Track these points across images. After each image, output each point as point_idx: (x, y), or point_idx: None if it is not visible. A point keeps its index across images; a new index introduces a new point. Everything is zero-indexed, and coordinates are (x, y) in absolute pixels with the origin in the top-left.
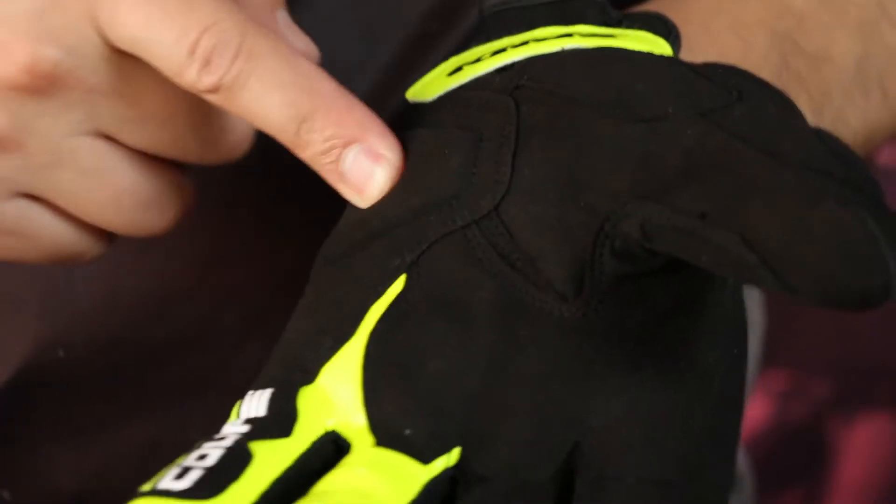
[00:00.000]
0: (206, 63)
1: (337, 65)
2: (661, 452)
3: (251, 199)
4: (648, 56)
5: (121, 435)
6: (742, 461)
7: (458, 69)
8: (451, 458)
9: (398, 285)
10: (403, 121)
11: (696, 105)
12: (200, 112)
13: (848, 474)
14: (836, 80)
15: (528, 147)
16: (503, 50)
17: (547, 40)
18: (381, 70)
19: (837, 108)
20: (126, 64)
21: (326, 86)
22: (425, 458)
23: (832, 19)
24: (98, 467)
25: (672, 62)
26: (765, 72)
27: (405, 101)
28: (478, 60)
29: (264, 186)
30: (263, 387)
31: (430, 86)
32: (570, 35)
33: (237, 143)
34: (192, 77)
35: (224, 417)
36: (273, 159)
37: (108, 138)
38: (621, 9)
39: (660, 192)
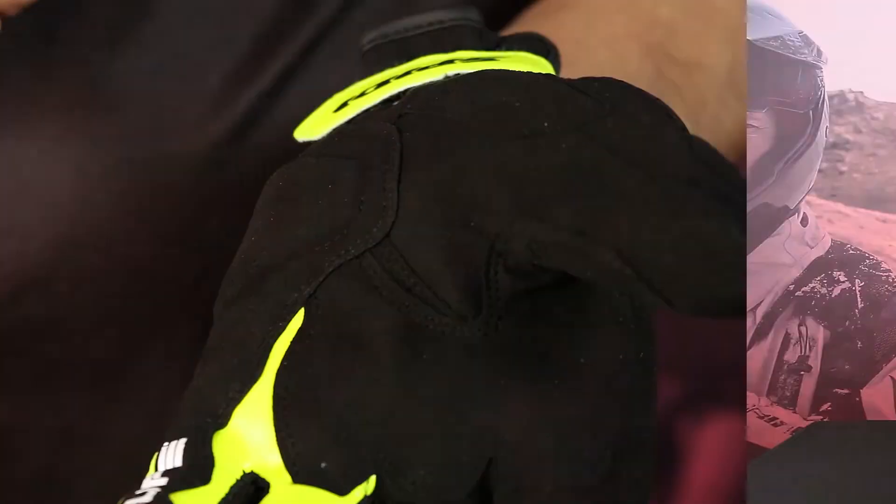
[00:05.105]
0: None
1: (190, 54)
2: (575, 458)
3: (106, 185)
4: (527, 74)
5: None
6: None
7: (344, 104)
8: (369, 486)
9: (298, 320)
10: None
11: (570, 118)
12: None
13: (697, 476)
14: (710, 87)
15: (411, 171)
16: (387, 82)
17: (429, 68)
18: (235, 59)
19: (712, 113)
20: None
21: None
22: (343, 489)
23: (701, 28)
24: None
25: (549, 78)
26: (641, 82)
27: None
28: (363, 94)
29: (118, 172)
30: (177, 437)
31: (318, 123)
32: (451, 62)
33: None
34: None
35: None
36: (132, 147)
37: None
38: (495, 29)
39: (541, 209)
